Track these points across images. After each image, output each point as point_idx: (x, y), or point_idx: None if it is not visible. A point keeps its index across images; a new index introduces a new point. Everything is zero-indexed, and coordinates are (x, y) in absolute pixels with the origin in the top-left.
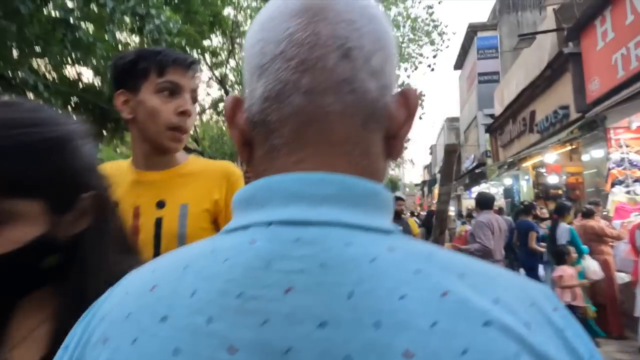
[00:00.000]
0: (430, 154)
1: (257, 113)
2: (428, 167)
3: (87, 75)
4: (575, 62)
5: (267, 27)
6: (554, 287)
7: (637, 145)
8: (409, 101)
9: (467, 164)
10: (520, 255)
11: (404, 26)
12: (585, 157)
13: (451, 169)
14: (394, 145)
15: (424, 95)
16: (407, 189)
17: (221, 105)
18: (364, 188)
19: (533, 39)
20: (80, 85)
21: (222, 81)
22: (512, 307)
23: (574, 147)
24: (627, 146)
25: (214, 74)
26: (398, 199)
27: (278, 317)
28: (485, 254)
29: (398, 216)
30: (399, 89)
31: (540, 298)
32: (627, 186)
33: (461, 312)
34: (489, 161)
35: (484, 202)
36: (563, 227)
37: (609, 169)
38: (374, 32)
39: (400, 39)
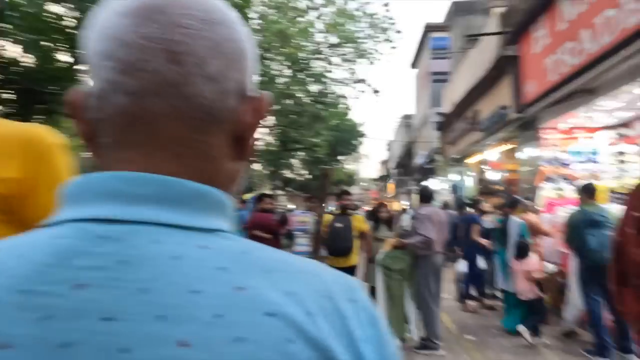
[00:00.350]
0: (388, 149)
1: (91, 111)
2: (385, 163)
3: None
4: (514, 65)
5: (100, 25)
6: (516, 279)
7: (565, 145)
8: (258, 106)
9: (420, 160)
10: (464, 247)
11: (359, 21)
12: (521, 155)
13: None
14: (242, 147)
15: (378, 92)
16: (364, 183)
17: None
18: (187, 188)
19: (480, 40)
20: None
21: None
22: (301, 299)
23: (512, 146)
24: (555, 145)
25: None
26: (344, 193)
27: (61, 313)
28: (426, 245)
29: (344, 211)
30: (251, 94)
31: (336, 290)
32: (555, 183)
33: (248, 305)
34: (439, 158)
35: (425, 196)
36: (514, 220)
37: (540, 166)
38: (213, 38)
39: (359, 35)
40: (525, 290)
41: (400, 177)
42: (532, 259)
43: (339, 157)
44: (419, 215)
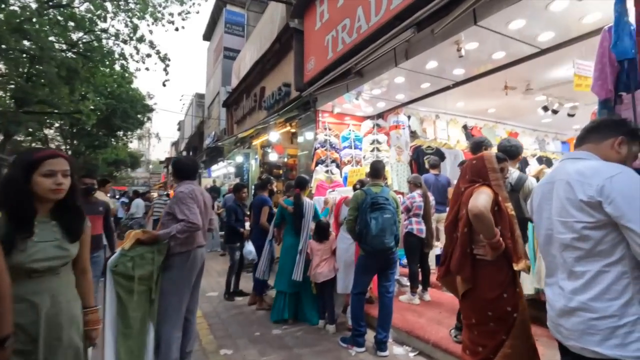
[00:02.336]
0: (179, 129)
1: None
2: (176, 144)
3: None
4: (299, 39)
5: None
6: (314, 263)
7: (337, 129)
8: None
9: (208, 140)
10: (253, 232)
11: None
12: (300, 139)
13: None
14: None
15: (169, 60)
16: (152, 166)
17: None
18: None
19: (268, 10)
20: None
21: None
22: None
23: (294, 129)
24: (329, 129)
25: None
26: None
27: None
28: (191, 233)
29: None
30: None
31: None
32: (327, 166)
33: None
34: (226, 138)
35: (181, 170)
36: (308, 201)
37: (315, 149)
38: None
39: None
40: (324, 273)
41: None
42: (332, 239)
43: (118, 133)
44: (178, 194)
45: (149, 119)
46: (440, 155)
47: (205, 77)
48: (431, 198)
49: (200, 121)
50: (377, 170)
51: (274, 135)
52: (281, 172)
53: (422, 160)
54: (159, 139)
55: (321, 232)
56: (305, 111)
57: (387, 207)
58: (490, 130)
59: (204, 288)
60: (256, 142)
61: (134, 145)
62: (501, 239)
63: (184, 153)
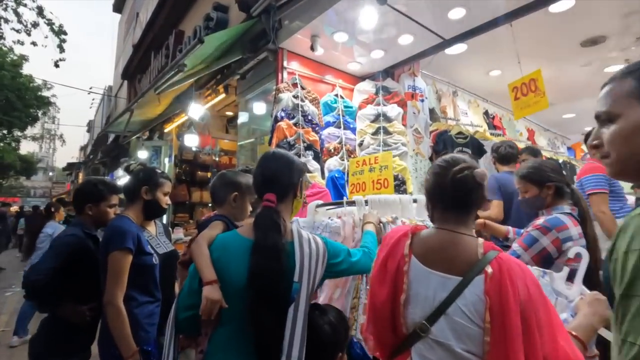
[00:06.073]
0: (88, 131)
1: None
2: (84, 148)
3: None
4: None
5: None
6: None
7: (315, 90)
8: None
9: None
10: None
11: None
12: (242, 118)
13: None
14: None
15: (66, 34)
16: (52, 174)
17: None
18: None
19: None
20: None
21: None
22: None
23: (230, 111)
24: (302, 87)
25: None
26: None
27: None
28: None
29: None
30: None
31: None
32: (297, 153)
33: None
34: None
35: None
36: (305, 237)
37: (276, 120)
38: None
39: None
40: None
41: (95, 165)
42: None
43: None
44: None
45: (45, 114)
46: (478, 148)
47: (115, 59)
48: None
49: (108, 116)
50: None
51: (195, 110)
52: (209, 175)
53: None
54: (63, 141)
55: None
56: (256, 51)
57: None
58: (509, 123)
59: None
60: (170, 127)
61: (29, 147)
62: None
63: (91, 157)
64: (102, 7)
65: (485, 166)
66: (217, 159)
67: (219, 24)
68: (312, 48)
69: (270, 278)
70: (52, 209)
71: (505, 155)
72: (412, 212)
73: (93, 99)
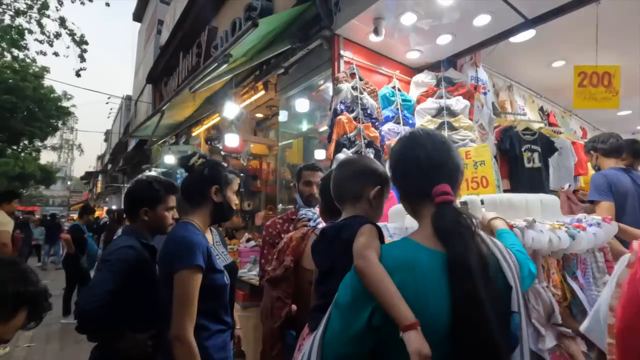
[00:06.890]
0: (105, 140)
1: None
2: (102, 157)
3: None
4: None
5: None
6: None
7: (373, 82)
8: None
9: (132, 145)
10: None
11: None
12: (282, 116)
13: None
14: None
15: (87, 44)
16: (70, 183)
17: None
18: None
19: None
20: None
21: None
22: None
23: (260, 112)
24: (361, 79)
25: None
26: None
27: None
28: None
29: None
30: None
31: None
32: (359, 152)
33: None
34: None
35: None
36: None
37: (335, 114)
38: None
39: None
40: None
41: (115, 173)
42: None
43: (23, 139)
44: None
45: (65, 124)
46: (548, 145)
47: (134, 66)
48: None
49: (127, 124)
50: None
51: (231, 109)
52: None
53: (519, 152)
54: (82, 151)
55: None
56: (307, 40)
57: None
58: (563, 121)
59: None
60: (198, 131)
61: (48, 157)
62: None
63: (109, 166)
64: (118, 18)
65: (554, 164)
66: (245, 163)
67: (263, 13)
68: (376, 31)
69: (486, 313)
70: (124, 215)
71: (616, 147)
72: (537, 215)
73: (111, 109)
